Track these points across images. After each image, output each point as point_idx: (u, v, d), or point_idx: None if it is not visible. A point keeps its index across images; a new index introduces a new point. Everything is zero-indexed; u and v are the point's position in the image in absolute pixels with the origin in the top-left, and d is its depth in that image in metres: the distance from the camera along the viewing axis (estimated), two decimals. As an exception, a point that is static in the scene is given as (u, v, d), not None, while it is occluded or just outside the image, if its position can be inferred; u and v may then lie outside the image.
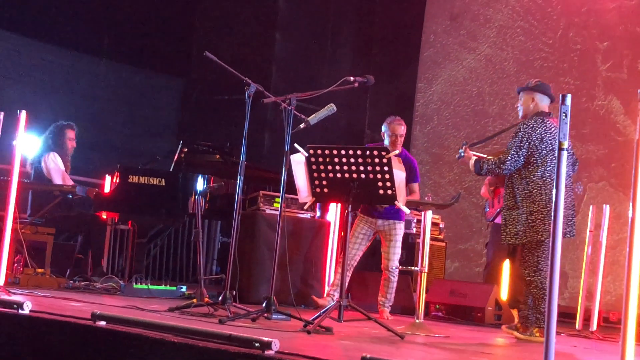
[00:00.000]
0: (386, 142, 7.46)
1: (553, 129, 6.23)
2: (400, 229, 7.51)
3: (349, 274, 7.38)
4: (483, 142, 7.07)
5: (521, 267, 6.30)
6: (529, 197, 6.17)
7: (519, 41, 11.32)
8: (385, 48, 12.43)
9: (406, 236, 8.99)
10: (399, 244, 7.52)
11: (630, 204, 3.65)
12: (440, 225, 9.42)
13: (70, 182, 8.28)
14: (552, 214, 3.62)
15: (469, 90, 11.68)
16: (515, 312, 7.96)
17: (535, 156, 6.19)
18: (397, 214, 7.41)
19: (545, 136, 6.20)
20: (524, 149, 6.18)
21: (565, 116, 3.69)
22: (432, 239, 7.59)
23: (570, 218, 6.32)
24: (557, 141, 6.17)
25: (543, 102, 6.38)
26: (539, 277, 6.13)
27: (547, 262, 5.71)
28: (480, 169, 6.33)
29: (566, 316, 7.94)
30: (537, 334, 6.10)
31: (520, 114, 6.49)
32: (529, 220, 6.15)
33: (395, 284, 7.51)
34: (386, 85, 11.83)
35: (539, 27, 11.15)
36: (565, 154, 3.68)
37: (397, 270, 7.48)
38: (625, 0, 10.47)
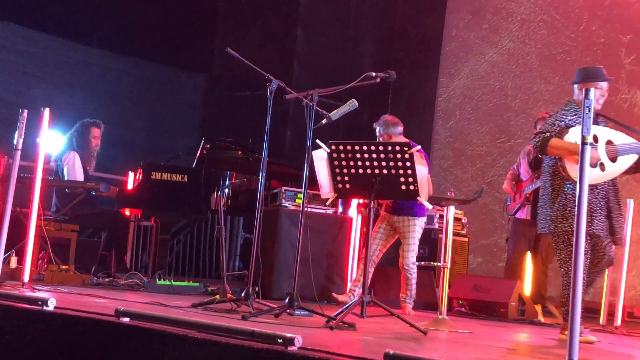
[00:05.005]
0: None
1: None
2: (414, 225, 7.37)
3: (371, 269, 7.28)
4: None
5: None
6: None
7: (541, 35, 11.25)
8: (406, 43, 12.39)
9: (428, 231, 8.97)
10: (414, 241, 7.40)
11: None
12: (463, 221, 9.38)
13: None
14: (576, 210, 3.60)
15: (491, 84, 11.63)
16: (539, 308, 7.93)
17: None
18: (411, 211, 7.32)
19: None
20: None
21: (589, 110, 3.66)
22: (454, 234, 7.56)
23: None
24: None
25: None
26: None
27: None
28: None
29: (590, 311, 7.87)
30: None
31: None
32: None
33: (414, 281, 7.44)
34: (408, 80, 11.81)
35: (561, 20, 11.08)
36: (588, 148, 3.66)
37: (414, 266, 7.40)
38: (649, -7, 10.39)
